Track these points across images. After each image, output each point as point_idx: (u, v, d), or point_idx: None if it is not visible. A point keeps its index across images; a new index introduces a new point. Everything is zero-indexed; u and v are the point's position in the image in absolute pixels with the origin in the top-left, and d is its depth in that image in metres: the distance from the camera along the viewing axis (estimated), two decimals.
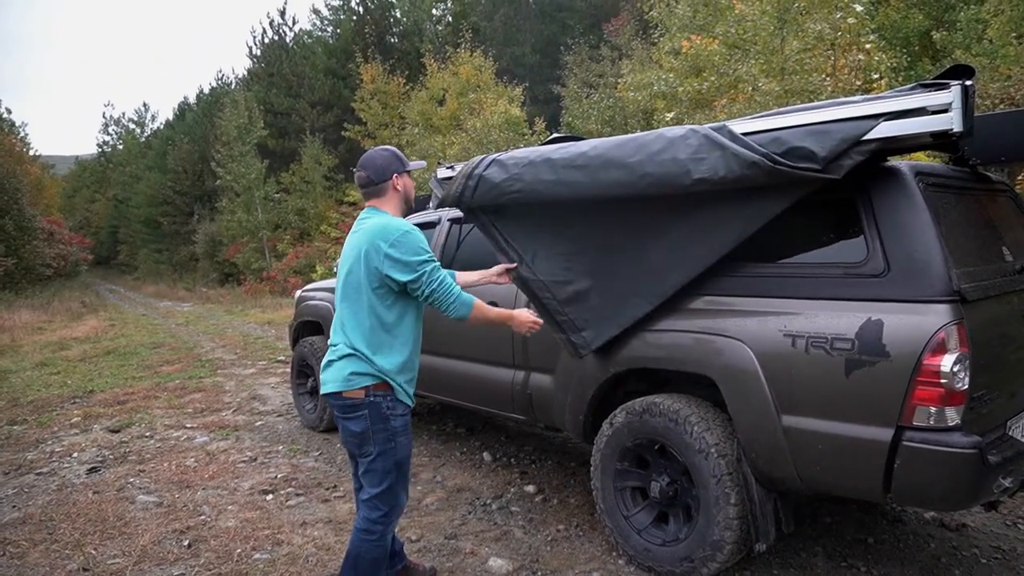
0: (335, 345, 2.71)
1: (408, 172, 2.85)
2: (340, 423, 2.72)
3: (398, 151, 2.88)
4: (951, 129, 2.35)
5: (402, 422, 2.69)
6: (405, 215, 2.90)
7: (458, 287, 2.70)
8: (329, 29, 34.69)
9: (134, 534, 3.78)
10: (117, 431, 5.99)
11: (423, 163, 3.29)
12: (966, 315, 2.38)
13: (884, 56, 9.74)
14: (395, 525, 2.80)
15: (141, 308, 21.56)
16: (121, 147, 52.47)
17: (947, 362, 2.31)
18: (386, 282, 2.60)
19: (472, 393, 4.30)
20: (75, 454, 5.36)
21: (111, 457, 5.24)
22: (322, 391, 2.75)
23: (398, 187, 2.80)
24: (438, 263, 2.68)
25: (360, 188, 2.83)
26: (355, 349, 2.63)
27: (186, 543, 3.64)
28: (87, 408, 6.88)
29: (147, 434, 5.86)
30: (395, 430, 2.66)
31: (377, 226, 2.64)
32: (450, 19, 30.52)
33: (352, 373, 2.62)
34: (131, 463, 5.08)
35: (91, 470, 4.94)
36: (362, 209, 2.84)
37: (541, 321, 3.00)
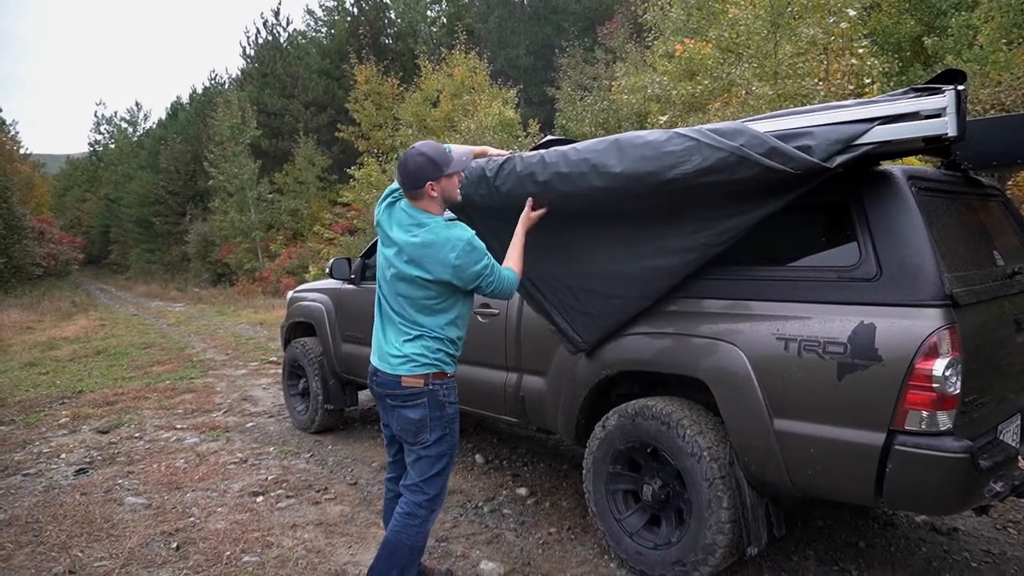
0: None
1: (447, 176, 2.73)
2: (396, 411, 2.79)
3: (436, 152, 2.72)
4: (945, 133, 2.34)
5: (454, 410, 2.83)
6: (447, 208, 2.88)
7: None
8: (323, 30, 34.66)
9: (122, 536, 3.75)
10: (106, 432, 5.95)
11: (468, 152, 2.93)
12: (958, 319, 2.38)
13: (876, 61, 9.76)
14: (437, 515, 2.89)
15: (132, 308, 21.43)
16: (113, 146, 52.19)
17: (939, 366, 2.31)
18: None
19: (464, 395, 4.28)
20: (63, 455, 5.32)
21: (99, 458, 5.20)
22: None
23: (433, 193, 2.72)
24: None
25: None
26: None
27: (174, 545, 3.61)
28: (76, 409, 6.82)
29: (136, 435, 5.82)
30: (450, 417, 2.81)
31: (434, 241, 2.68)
32: (445, 21, 30.52)
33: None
34: (120, 464, 5.04)
35: (79, 471, 4.90)
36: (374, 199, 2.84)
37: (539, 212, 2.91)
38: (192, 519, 3.97)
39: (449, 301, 2.74)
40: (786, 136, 2.50)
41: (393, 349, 2.76)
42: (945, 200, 2.83)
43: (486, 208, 3.07)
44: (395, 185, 2.86)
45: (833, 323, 2.53)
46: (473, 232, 2.71)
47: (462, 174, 2.88)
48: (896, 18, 12.63)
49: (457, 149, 2.87)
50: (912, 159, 4.34)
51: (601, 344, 3.23)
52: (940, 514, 3.48)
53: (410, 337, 2.74)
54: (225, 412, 6.64)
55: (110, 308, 21.37)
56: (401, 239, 2.73)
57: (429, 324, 2.74)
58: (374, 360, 2.85)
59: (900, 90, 2.58)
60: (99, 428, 6.06)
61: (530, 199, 2.91)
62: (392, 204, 2.85)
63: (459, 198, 2.88)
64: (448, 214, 2.90)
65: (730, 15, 10.60)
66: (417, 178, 2.68)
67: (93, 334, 13.50)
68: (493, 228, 3.08)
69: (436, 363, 2.75)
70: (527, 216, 2.91)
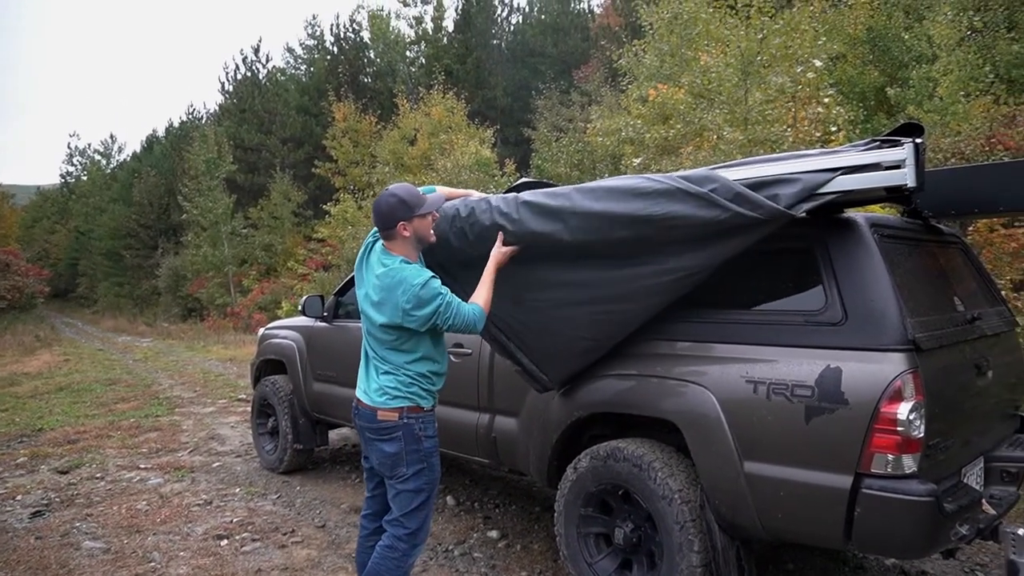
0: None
1: (419, 216, 2.78)
2: (373, 445, 2.82)
3: (408, 193, 2.79)
4: (905, 184, 2.43)
5: (432, 444, 2.84)
6: (420, 251, 2.90)
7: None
8: (303, 67, 34.94)
9: None
10: (66, 472, 5.76)
11: (441, 197, 2.96)
12: (921, 364, 2.43)
13: (842, 110, 10.07)
14: (419, 552, 2.89)
15: (98, 343, 20.96)
16: (85, 178, 51.53)
17: (903, 410, 2.35)
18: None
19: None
20: (19, 496, 5.13)
21: (57, 500, 5.03)
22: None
23: (405, 233, 2.77)
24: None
25: None
26: None
27: None
28: (35, 447, 6.61)
29: (97, 475, 5.65)
30: (428, 451, 2.82)
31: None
32: (423, 61, 30.91)
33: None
34: (78, 506, 4.87)
35: (35, 514, 4.73)
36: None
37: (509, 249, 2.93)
38: (152, 564, 3.84)
39: (412, 341, 2.78)
40: (774, 182, 2.56)
41: (372, 382, 2.83)
42: (907, 247, 2.91)
43: (457, 249, 3.06)
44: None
45: (801, 366, 2.57)
46: (429, 275, 2.73)
47: (436, 214, 2.92)
48: (860, 69, 13.07)
49: (433, 194, 2.92)
50: (875, 207, 4.46)
51: (573, 385, 3.24)
52: (908, 557, 3.49)
53: (383, 371, 2.81)
54: (191, 451, 6.48)
55: (75, 343, 20.88)
56: (369, 283, 2.82)
57: (397, 361, 2.79)
58: (357, 392, 2.91)
59: (863, 140, 2.67)
60: (58, 468, 5.87)
61: (500, 234, 2.93)
62: (371, 249, 2.91)
63: (433, 239, 2.90)
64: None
65: (702, 62, 10.89)
66: (389, 218, 2.76)
67: (56, 369, 13.16)
68: (459, 276, 3.07)
69: (410, 396, 2.79)
70: (498, 251, 2.92)
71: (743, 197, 2.51)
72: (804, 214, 2.58)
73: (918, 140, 2.44)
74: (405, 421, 2.76)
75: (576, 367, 3.18)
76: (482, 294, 2.85)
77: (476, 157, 17.53)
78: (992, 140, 7.31)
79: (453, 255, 3.08)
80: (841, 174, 2.49)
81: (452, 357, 3.88)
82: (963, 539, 2.56)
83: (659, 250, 2.75)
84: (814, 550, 3.77)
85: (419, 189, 2.91)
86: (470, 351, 3.91)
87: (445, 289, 2.73)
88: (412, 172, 19.81)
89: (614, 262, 2.87)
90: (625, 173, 10.89)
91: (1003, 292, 4.49)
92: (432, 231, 2.89)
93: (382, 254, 2.83)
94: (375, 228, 2.92)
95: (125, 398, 9.60)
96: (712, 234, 2.62)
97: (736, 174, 2.66)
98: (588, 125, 16.68)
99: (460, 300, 2.76)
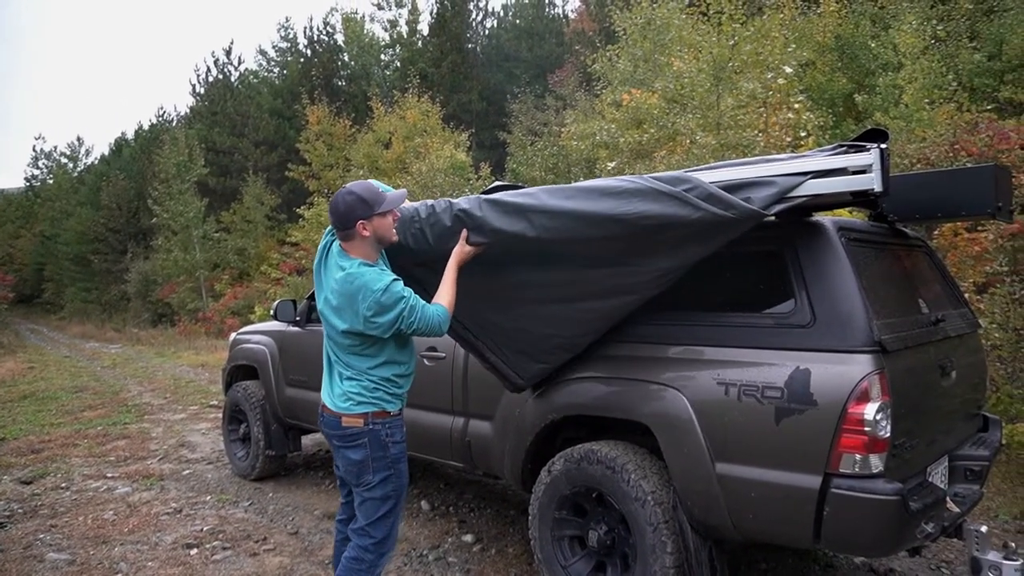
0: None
1: (379, 214, 2.67)
2: (340, 452, 2.76)
3: (367, 190, 2.68)
4: (871, 188, 2.48)
5: (399, 449, 2.78)
6: (380, 251, 2.80)
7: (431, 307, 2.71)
8: (275, 70, 34.63)
9: None
10: (29, 482, 5.63)
11: (402, 194, 2.82)
12: (887, 365, 2.47)
13: (811, 115, 10.23)
14: (387, 561, 2.83)
15: (65, 349, 20.52)
16: (51, 181, 50.42)
17: (870, 410, 2.39)
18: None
19: (410, 440, 4.20)
20: None
21: (20, 511, 4.90)
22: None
23: (365, 233, 2.66)
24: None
25: None
26: None
27: None
28: None
29: (63, 485, 5.52)
30: (395, 457, 2.76)
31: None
32: (398, 64, 30.82)
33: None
34: (42, 517, 4.76)
35: None
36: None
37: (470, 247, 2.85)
38: (119, 575, 3.76)
39: (375, 346, 2.70)
40: (749, 184, 2.59)
41: (336, 387, 2.76)
42: (873, 250, 2.97)
43: (415, 251, 2.98)
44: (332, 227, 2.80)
45: (771, 368, 2.60)
46: (391, 278, 2.63)
47: (397, 213, 2.82)
48: (829, 76, 13.31)
49: (393, 192, 2.82)
50: (842, 210, 4.54)
51: (547, 388, 3.24)
52: (875, 556, 3.54)
53: (346, 376, 2.74)
54: (160, 459, 6.37)
55: (40, 349, 20.42)
56: (328, 287, 2.73)
57: (360, 366, 2.71)
58: (322, 397, 2.83)
59: (829, 146, 2.72)
60: (22, 478, 5.72)
61: (464, 231, 2.84)
62: (328, 250, 2.81)
63: (395, 238, 2.80)
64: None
65: (675, 68, 11.01)
66: (347, 217, 2.65)
67: (20, 377, 12.85)
68: (420, 278, 3.00)
69: (375, 401, 2.71)
70: (461, 249, 2.82)
71: (716, 197, 2.53)
72: (774, 216, 2.62)
73: (883, 145, 2.49)
74: (371, 427, 2.69)
75: (548, 366, 3.17)
76: (445, 294, 2.76)
77: (451, 161, 17.49)
78: (956, 146, 7.47)
79: (411, 258, 2.99)
80: (810, 178, 2.53)
81: (426, 361, 3.88)
82: (929, 537, 2.61)
83: (632, 250, 2.76)
84: (786, 549, 3.81)
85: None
86: (444, 355, 3.89)
87: (408, 291, 2.63)
88: (387, 175, 19.70)
89: (586, 261, 2.87)
90: (600, 176, 10.95)
91: (966, 294, 4.59)
92: (393, 230, 2.78)
93: (339, 256, 2.71)
94: (328, 230, 2.82)
95: (92, 406, 9.40)
96: (686, 234, 2.64)
97: (708, 177, 2.69)
98: (563, 129, 16.75)
99: (424, 302, 2.67)
